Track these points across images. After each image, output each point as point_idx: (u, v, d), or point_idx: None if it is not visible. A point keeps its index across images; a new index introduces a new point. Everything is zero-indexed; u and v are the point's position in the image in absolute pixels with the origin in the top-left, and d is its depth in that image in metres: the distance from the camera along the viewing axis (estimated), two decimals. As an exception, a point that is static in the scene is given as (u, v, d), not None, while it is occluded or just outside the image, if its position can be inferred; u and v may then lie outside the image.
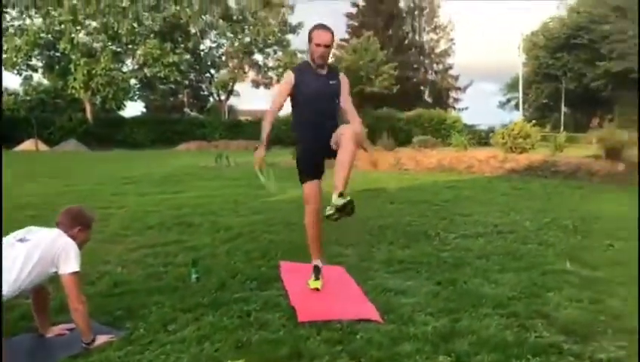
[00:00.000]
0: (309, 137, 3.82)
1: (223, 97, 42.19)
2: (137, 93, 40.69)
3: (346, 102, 3.90)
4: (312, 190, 3.82)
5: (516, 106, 47.05)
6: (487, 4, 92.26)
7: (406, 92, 43.57)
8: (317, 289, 3.81)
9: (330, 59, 3.82)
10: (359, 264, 4.68)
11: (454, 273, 4.35)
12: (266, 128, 3.73)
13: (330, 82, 3.82)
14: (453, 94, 51.02)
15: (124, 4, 32.17)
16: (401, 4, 49.19)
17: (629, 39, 40.12)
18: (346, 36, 44.97)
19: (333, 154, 3.63)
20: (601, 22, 41.80)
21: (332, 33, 3.75)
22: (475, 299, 3.68)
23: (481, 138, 29.99)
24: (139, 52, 34.62)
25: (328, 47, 3.72)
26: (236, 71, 40.37)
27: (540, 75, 47.46)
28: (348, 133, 3.52)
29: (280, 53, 40.13)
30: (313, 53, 3.74)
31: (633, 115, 40.79)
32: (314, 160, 3.84)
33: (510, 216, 7.25)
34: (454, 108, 48.91)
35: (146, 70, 35.26)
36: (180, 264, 4.59)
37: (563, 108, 46.30)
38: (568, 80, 44.34)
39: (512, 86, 51.29)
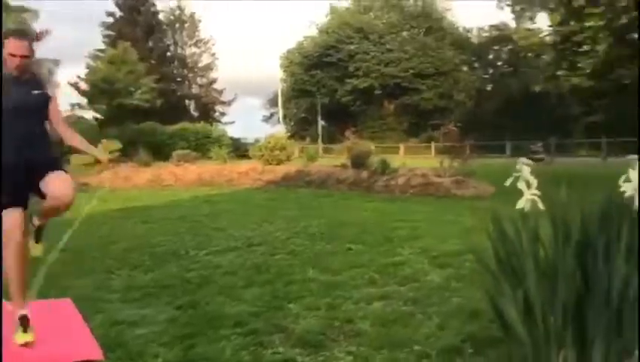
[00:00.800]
0: (9, 156, 3.21)
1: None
2: None
3: (54, 115, 3.39)
4: (16, 221, 3.23)
5: (279, 120, 49.30)
6: (247, 21, 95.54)
7: (171, 106, 42.66)
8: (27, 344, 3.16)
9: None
10: (92, 294, 4.18)
11: (197, 294, 4.12)
12: None
13: (33, 92, 3.30)
14: (219, 108, 51.44)
15: None
16: (161, 17, 48.14)
17: (371, 59, 45.03)
18: (102, 46, 42.32)
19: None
20: (347, 42, 46.13)
21: (29, 41, 3.29)
22: (216, 320, 3.50)
23: (246, 151, 30.62)
24: None
25: (25, 57, 3.23)
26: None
27: (297, 91, 50.40)
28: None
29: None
30: (7, 63, 3.21)
31: (377, 127, 45.97)
32: (15, 184, 3.24)
33: (263, 227, 7.33)
34: (220, 122, 49.37)
35: None
36: None
37: (320, 122, 49.79)
38: (322, 95, 47.87)
39: (274, 100, 53.57)
